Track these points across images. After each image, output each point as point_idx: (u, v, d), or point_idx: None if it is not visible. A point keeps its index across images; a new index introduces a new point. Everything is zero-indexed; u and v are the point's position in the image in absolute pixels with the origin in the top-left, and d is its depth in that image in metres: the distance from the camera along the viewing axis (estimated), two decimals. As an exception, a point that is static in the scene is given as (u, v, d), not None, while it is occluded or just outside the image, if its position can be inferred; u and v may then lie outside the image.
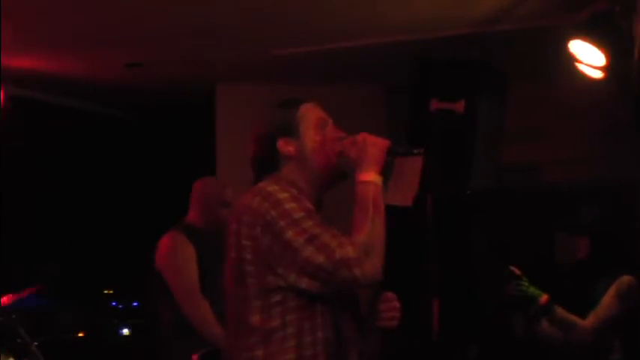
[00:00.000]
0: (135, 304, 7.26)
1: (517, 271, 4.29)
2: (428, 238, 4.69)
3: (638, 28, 4.58)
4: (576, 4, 5.19)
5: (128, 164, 8.11)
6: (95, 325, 7.14)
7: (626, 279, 4.19)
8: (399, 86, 5.39)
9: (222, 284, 4.50)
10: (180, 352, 4.55)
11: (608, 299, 4.19)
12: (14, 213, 6.93)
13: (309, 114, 2.90)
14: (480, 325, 6.91)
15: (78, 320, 6.96)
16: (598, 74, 5.03)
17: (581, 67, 5.09)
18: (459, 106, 4.66)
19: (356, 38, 6.21)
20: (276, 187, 2.72)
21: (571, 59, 5.10)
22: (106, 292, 7.63)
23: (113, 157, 8.04)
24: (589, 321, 4.22)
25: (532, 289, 4.26)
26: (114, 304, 7.57)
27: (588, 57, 5.01)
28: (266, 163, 2.89)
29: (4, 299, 5.31)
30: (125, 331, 7.34)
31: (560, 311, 4.23)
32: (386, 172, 2.87)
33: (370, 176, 2.78)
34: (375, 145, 2.82)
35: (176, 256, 4.64)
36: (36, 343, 5.35)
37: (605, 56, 4.91)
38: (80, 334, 6.70)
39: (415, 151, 2.94)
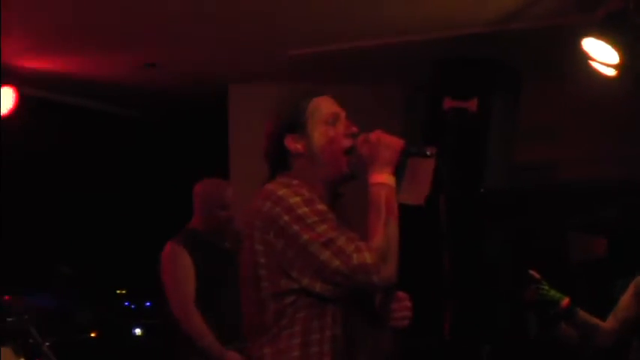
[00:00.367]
0: (148, 304, 7.27)
1: (536, 275, 4.24)
2: (441, 238, 4.67)
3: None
4: (590, 2, 5.17)
5: (141, 164, 8.11)
6: (108, 325, 7.14)
7: None
8: (415, 85, 5.40)
9: (228, 286, 4.63)
10: (195, 352, 4.61)
11: (626, 299, 4.15)
12: (28, 213, 6.95)
13: (319, 109, 2.85)
14: (493, 325, 6.88)
15: (91, 320, 6.97)
16: (611, 72, 5.01)
17: (594, 65, 5.07)
18: (472, 104, 4.65)
19: (371, 38, 6.20)
20: (287, 191, 2.69)
21: (584, 57, 5.08)
22: (119, 292, 7.64)
23: (126, 157, 8.04)
24: (609, 323, 4.18)
25: (552, 293, 4.20)
26: (127, 304, 7.57)
27: (602, 55, 4.99)
28: (276, 160, 2.86)
29: (9, 297, 5.31)
30: (138, 331, 7.34)
31: (582, 314, 4.18)
32: (399, 171, 2.84)
33: (383, 178, 2.76)
34: (388, 146, 2.78)
35: (172, 269, 4.73)
36: (48, 344, 5.35)
37: (619, 54, 4.89)
38: (93, 334, 6.71)
39: (428, 152, 2.92)
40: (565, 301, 4.18)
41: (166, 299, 4.78)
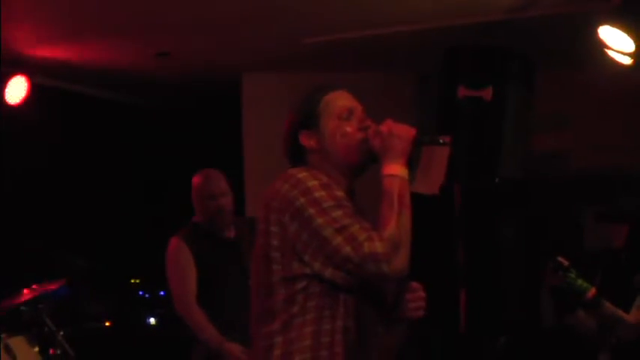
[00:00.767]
0: (162, 293, 7.28)
1: (565, 262, 4.19)
2: (455, 228, 4.66)
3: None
4: (606, -10, 5.14)
5: (154, 154, 8.11)
6: (122, 315, 7.17)
7: None
8: (429, 74, 5.36)
9: (231, 276, 4.65)
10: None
11: None
12: (42, 204, 6.96)
13: (332, 104, 2.84)
14: (507, 316, 6.87)
15: (105, 310, 7.00)
16: (628, 60, 4.98)
17: (610, 53, 5.04)
18: (487, 93, 4.61)
19: (385, 26, 6.17)
20: (306, 174, 2.69)
21: (600, 45, 5.04)
22: (133, 281, 7.66)
23: (139, 146, 8.04)
24: (632, 316, 4.15)
25: (580, 282, 4.16)
26: (141, 293, 7.60)
27: (618, 43, 4.95)
28: (293, 155, 2.87)
29: (27, 290, 5.33)
30: (152, 321, 7.36)
31: (607, 306, 4.15)
32: (412, 160, 2.82)
33: (395, 169, 2.74)
34: (399, 136, 2.76)
35: (174, 265, 4.83)
36: (62, 333, 5.37)
37: (635, 42, 4.86)
38: (107, 324, 6.73)
39: (441, 140, 2.89)
40: (591, 291, 4.15)
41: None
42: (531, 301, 6.66)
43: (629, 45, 4.89)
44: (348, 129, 2.82)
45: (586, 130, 7.19)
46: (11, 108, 6.54)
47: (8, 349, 5.01)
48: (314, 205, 2.63)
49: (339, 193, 2.68)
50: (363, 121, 2.84)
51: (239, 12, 5.83)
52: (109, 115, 7.81)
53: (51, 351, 5.33)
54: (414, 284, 2.88)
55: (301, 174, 2.70)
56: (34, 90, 6.62)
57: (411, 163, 2.81)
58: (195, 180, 4.94)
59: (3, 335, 5.08)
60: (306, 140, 2.83)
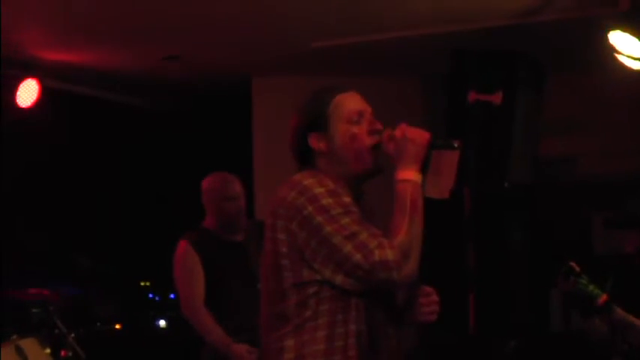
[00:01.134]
0: (172, 296, 7.27)
1: (577, 268, 4.19)
2: (465, 231, 4.66)
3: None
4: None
5: (164, 157, 8.13)
6: (132, 317, 7.18)
7: None
8: (437, 78, 5.37)
9: (239, 280, 4.66)
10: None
11: None
12: (51, 205, 6.97)
13: (342, 107, 2.82)
14: (516, 319, 6.86)
15: (115, 312, 7.01)
16: (637, 65, 4.98)
17: (620, 58, 5.04)
18: (497, 97, 4.62)
19: (394, 30, 6.17)
20: (312, 181, 2.68)
21: (610, 50, 5.04)
22: (143, 284, 7.67)
23: (148, 149, 8.06)
24: None
25: (591, 288, 4.15)
26: (151, 296, 7.61)
27: (628, 48, 4.95)
28: (301, 157, 2.85)
29: (34, 290, 5.35)
30: (162, 323, 7.37)
31: (619, 312, 4.15)
32: (424, 164, 2.82)
33: (409, 174, 2.73)
34: (414, 141, 2.75)
35: (181, 268, 4.83)
36: (73, 335, 5.39)
37: (645, 47, 4.86)
38: (117, 326, 6.74)
39: (455, 144, 2.89)
40: (603, 297, 4.14)
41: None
42: (540, 305, 6.66)
43: (639, 50, 4.89)
44: (359, 132, 2.80)
45: (595, 135, 7.18)
46: (22, 111, 6.56)
47: (20, 351, 5.02)
48: (322, 212, 2.63)
49: (347, 199, 2.68)
50: (372, 124, 2.83)
51: (248, 15, 5.84)
52: (119, 118, 7.81)
53: (62, 353, 5.34)
54: (427, 288, 2.89)
55: (307, 181, 2.69)
56: (45, 93, 6.64)
57: (423, 168, 2.81)
58: (210, 182, 4.93)
59: (14, 337, 5.09)
60: (315, 143, 2.81)
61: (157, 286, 7.58)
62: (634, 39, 4.88)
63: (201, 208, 4.96)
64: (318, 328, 2.67)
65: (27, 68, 6.55)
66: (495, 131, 4.66)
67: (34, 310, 5.40)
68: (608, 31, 4.99)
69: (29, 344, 5.14)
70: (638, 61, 4.94)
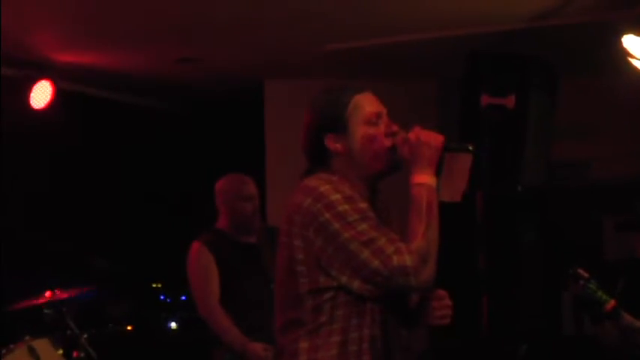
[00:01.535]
0: (183, 297, 7.29)
1: (585, 273, 4.19)
2: (477, 234, 4.65)
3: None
4: (629, -2, 5.13)
5: (178, 159, 8.14)
6: (143, 319, 7.19)
7: None
8: (451, 81, 5.35)
9: (253, 281, 4.61)
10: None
11: None
12: (66, 207, 6.99)
13: (361, 108, 2.80)
14: (528, 322, 6.85)
15: (126, 313, 7.02)
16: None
17: (633, 61, 5.03)
18: (510, 101, 4.61)
19: (408, 33, 6.18)
20: (329, 187, 2.67)
21: (624, 54, 5.04)
22: (154, 285, 7.68)
23: (163, 151, 8.07)
24: None
25: (600, 293, 4.15)
26: (162, 297, 7.62)
27: (642, 52, 4.95)
28: (315, 157, 2.84)
29: (50, 293, 5.36)
30: (173, 325, 7.38)
31: (626, 317, 4.14)
32: (437, 168, 2.82)
33: (424, 178, 2.73)
34: (428, 145, 2.74)
35: (196, 269, 4.83)
36: (85, 336, 5.41)
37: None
38: (128, 328, 6.75)
39: (470, 147, 2.89)
40: (611, 303, 4.14)
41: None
42: (552, 308, 6.65)
43: (653, 54, 4.89)
44: (377, 134, 2.79)
45: (608, 139, 7.17)
46: (36, 112, 6.58)
47: (32, 351, 5.04)
48: (339, 219, 2.62)
49: (363, 205, 2.68)
50: (389, 126, 2.82)
51: (261, 18, 5.85)
52: (132, 120, 7.83)
53: (74, 353, 5.37)
54: (440, 292, 2.88)
55: (324, 187, 2.68)
56: (59, 95, 6.66)
57: (437, 171, 2.81)
58: (225, 183, 4.93)
59: (27, 337, 5.11)
60: (332, 144, 2.79)
61: (169, 288, 7.59)
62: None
63: (213, 211, 4.97)
64: (332, 333, 2.68)
65: (41, 70, 6.58)
66: (508, 135, 4.64)
67: (46, 311, 5.42)
68: (621, 35, 4.98)
69: (42, 345, 5.15)
70: (651, 66, 4.94)
